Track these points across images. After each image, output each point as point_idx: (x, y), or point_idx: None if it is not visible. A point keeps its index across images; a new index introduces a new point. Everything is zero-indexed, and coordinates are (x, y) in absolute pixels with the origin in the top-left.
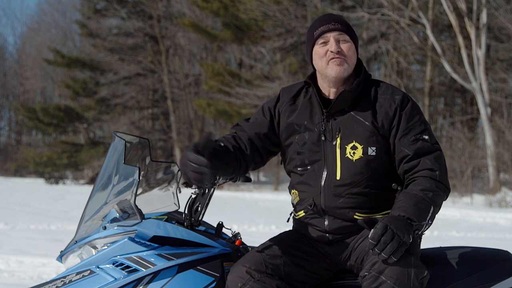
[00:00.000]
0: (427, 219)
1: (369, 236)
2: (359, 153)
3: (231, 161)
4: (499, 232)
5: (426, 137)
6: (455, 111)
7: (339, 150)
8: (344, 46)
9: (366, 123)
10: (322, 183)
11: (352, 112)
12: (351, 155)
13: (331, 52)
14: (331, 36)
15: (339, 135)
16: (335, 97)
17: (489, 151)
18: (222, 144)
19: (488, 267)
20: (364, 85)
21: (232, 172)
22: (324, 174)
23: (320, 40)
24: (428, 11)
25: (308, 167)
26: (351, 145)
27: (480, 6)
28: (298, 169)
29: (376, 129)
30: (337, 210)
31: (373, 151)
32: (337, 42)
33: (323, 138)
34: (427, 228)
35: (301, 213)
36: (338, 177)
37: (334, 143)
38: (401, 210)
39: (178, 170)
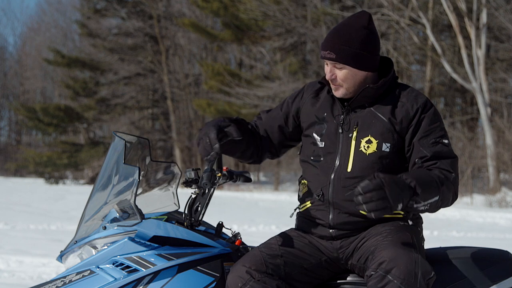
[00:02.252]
0: (428, 201)
1: (360, 184)
2: (373, 147)
3: (253, 143)
4: (499, 232)
5: (446, 141)
6: (455, 111)
7: (354, 142)
8: (339, 73)
9: (384, 119)
10: (333, 174)
11: (372, 108)
12: (365, 149)
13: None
14: (328, 63)
15: (356, 128)
16: (358, 92)
17: (489, 151)
18: (250, 127)
19: (488, 267)
20: (390, 86)
21: (250, 156)
22: (336, 166)
23: (324, 61)
24: (428, 11)
25: (321, 159)
26: (366, 139)
27: (480, 6)
28: (311, 158)
29: (393, 126)
30: (343, 203)
31: (387, 147)
32: (332, 68)
33: (340, 130)
34: (419, 211)
35: (307, 204)
36: (349, 169)
37: (350, 135)
38: (411, 177)
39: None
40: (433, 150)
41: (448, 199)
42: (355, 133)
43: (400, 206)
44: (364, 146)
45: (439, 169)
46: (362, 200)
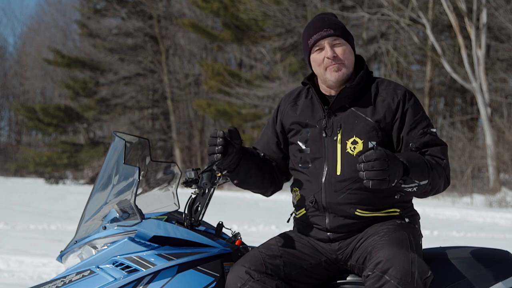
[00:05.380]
0: (416, 183)
1: (364, 153)
2: (359, 147)
3: (267, 171)
4: (499, 232)
5: (434, 130)
6: (455, 111)
7: (339, 145)
8: (339, 50)
9: (367, 118)
10: (323, 179)
11: (353, 108)
12: (351, 150)
13: (328, 58)
14: (326, 43)
15: (340, 131)
16: (336, 94)
17: (489, 151)
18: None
19: (488, 267)
20: (366, 81)
21: (270, 183)
22: (325, 171)
23: (316, 48)
24: (428, 11)
25: (309, 165)
26: (351, 140)
27: (480, 6)
28: (299, 165)
29: (378, 123)
30: (338, 207)
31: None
32: (332, 47)
33: (324, 134)
34: (407, 192)
35: (302, 211)
36: (338, 173)
37: (335, 138)
38: (402, 156)
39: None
40: (422, 141)
41: (439, 185)
42: (339, 136)
43: (395, 182)
44: (350, 148)
45: (430, 156)
46: (364, 167)
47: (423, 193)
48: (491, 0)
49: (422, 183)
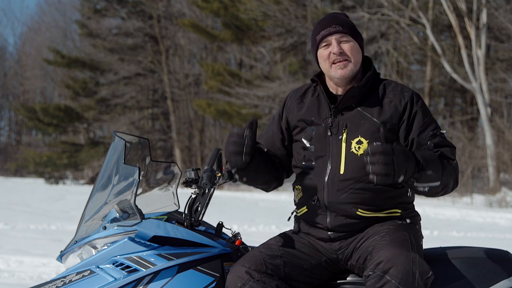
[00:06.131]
0: (428, 184)
1: (371, 147)
2: (364, 147)
3: (272, 167)
4: (499, 232)
5: (443, 131)
6: (455, 111)
7: (344, 144)
8: (346, 46)
9: (373, 118)
10: (326, 178)
11: (359, 108)
12: (356, 150)
13: (334, 54)
14: (333, 39)
15: (346, 130)
16: (343, 93)
17: (489, 151)
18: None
19: (488, 267)
20: (373, 82)
21: (274, 179)
22: (328, 169)
23: (323, 44)
24: (428, 11)
25: (313, 163)
26: (356, 139)
27: (480, 6)
28: (303, 163)
29: (384, 124)
30: (340, 206)
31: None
32: (339, 43)
33: (329, 133)
34: (417, 191)
35: (304, 209)
36: (341, 172)
37: (340, 137)
38: (419, 154)
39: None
40: (433, 143)
41: (448, 186)
42: (344, 135)
43: (402, 178)
44: (355, 147)
45: (441, 156)
46: (370, 160)
47: (433, 193)
48: (491, 0)
49: (435, 183)
